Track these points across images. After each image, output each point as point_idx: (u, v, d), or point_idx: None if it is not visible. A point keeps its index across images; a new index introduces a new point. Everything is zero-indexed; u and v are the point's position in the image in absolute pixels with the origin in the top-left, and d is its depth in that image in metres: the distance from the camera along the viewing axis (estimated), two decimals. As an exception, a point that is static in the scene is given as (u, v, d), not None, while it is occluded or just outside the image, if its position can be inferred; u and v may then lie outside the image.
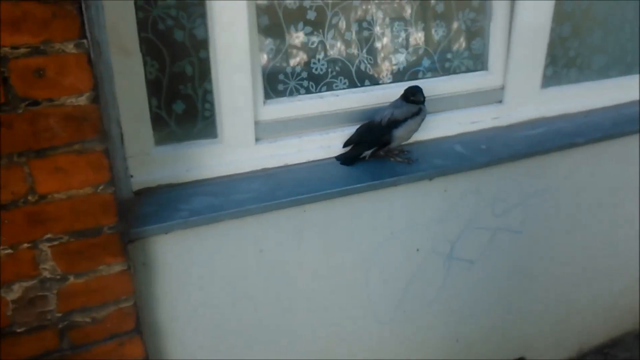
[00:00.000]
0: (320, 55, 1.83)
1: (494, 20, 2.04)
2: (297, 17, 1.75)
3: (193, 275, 1.55)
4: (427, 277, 1.98)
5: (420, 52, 2.00)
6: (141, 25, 1.49)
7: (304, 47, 1.79)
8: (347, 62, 1.88)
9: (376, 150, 1.81)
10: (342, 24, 1.82)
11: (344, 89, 1.90)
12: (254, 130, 1.71)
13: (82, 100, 1.16)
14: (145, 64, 1.53)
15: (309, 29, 1.78)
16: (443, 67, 2.06)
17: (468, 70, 2.12)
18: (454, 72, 2.09)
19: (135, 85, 1.50)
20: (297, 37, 1.77)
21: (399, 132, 1.78)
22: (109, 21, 1.39)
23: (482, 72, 2.13)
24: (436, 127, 2.03)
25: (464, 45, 2.08)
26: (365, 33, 1.88)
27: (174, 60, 1.57)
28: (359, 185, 1.67)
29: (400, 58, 1.97)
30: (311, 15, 1.76)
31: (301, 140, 1.81)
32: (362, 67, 1.91)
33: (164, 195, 1.57)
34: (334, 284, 1.81)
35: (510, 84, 2.11)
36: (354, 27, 1.85)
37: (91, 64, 1.15)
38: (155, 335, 1.56)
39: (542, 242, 2.19)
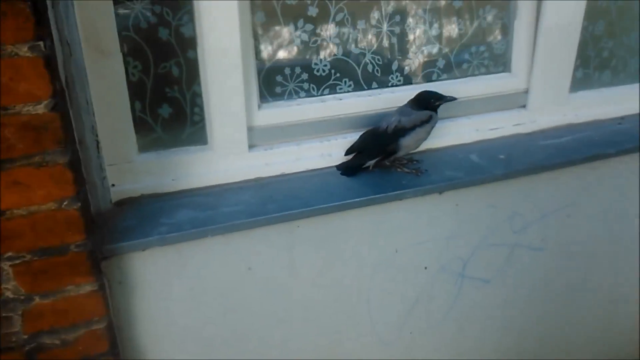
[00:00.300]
0: (323, 55, 1.68)
1: (519, 17, 1.86)
2: (296, 13, 1.60)
3: (175, 294, 1.43)
4: (436, 296, 1.83)
5: (435, 51, 1.83)
6: (122, 23, 1.37)
7: (305, 46, 1.65)
8: (352, 63, 1.73)
9: (381, 160, 1.65)
10: (347, 21, 1.67)
11: (348, 92, 1.75)
12: (246, 136, 1.57)
13: (40, 109, 1.05)
14: (127, 64, 1.41)
15: (310, 26, 1.63)
16: (460, 68, 1.89)
17: (488, 72, 1.94)
18: (472, 74, 1.92)
19: (115, 88, 1.38)
20: (297, 35, 1.63)
21: (406, 141, 1.63)
22: (83, 19, 1.27)
23: (504, 74, 1.95)
24: (451, 134, 1.86)
25: (483, 44, 1.90)
26: (373, 31, 1.73)
27: (159, 61, 1.45)
28: (358, 199, 1.52)
29: (412, 58, 1.81)
30: (312, 11, 1.61)
31: (299, 147, 1.67)
32: (369, 68, 1.76)
33: (146, 207, 1.45)
34: (332, 305, 1.66)
35: (535, 87, 1.92)
36: (360, 25, 1.70)
37: (50, 68, 1.04)
38: (137, 355, 1.46)
39: (564, 261, 2.00)
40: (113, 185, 1.47)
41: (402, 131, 1.62)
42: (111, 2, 1.31)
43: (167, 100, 1.50)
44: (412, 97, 1.66)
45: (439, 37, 1.82)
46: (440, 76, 1.87)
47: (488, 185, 1.73)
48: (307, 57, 1.66)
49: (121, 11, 1.36)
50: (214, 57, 1.44)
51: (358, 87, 1.76)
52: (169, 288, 1.42)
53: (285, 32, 1.61)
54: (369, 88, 1.78)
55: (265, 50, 1.60)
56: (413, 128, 1.62)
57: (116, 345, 1.36)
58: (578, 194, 1.89)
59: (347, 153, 1.68)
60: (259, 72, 1.60)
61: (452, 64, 1.87)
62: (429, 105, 1.65)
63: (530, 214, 1.85)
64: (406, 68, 1.81)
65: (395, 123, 1.62)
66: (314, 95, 1.71)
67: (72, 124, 1.22)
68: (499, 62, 1.94)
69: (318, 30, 1.65)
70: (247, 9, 1.49)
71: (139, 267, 1.36)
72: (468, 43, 1.87)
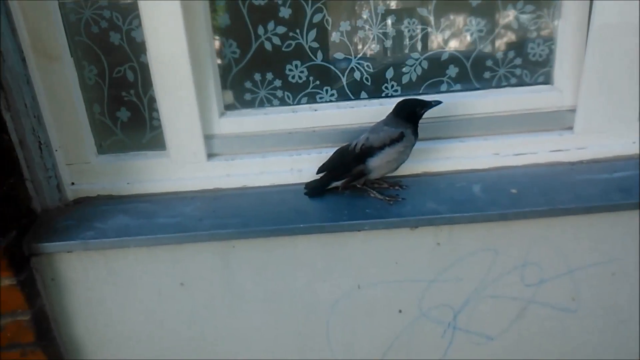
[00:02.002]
0: (299, 61, 1.52)
1: (564, 16, 1.46)
2: (266, 15, 1.47)
3: (105, 298, 1.44)
4: (417, 345, 1.55)
5: (445, 57, 1.53)
6: (73, 28, 1.40)
7: (276, 50, 1.50)
8: (334, 70, 1.53)
9: (349, 182, 1.44)
10: (327, 23, 1.48)
11: (330, 101, 1.56)
12: (203, 145, 1.50)
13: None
14: (82, 68, 1.44)
15: (282, 28, 1.48)
16: (480, 77, 1.55)
17: (520, 83, 1.56)
18: (498, 86, 1.56)
19: (67, 91, 1.42)
20: (268, 38, 1.49)
21: (374, 162, 1.39)
22: (29, 27, 1.33)
23: (542, 87, 1.56)
24: (460, 157, 1.55)
25: (514, 48, 1.53)
26: (360, 34, 1.50)
27: (114, 65, 1.45)
28: (303, 225, 1.34)
29: (413, 64, 1.54)
30: (285, 12, 1.46)
31: (265, 160, 1.54)
32: (357, 75, 1.54)
33: (91, 209, 1.48)
34: (279, 338, 1.52)
35: (587, 105, 1.49)
36: (344, 27, 1.49)
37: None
38: (74, 349, 1.51)
39: (608, 327, 1.54)
40: (73, 183, 1.53)
41: (370, 151, 1.39)
42: (57, 9, 1.35)
43: (125, 104, 1.50)
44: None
45: (451, 39, 1.51)
46: (452, 86, 1.56)
47: (487, 225, 1.40)
48: (279, 62, 1.52)
49: (72, 17, 1.38)
50: (161, 62, 1.39)
51: (343, 96, 1.56)
52: (99, 291, 1.42)
53: (253, 35, 1.48)
54: (357, 98, 1.56)
55: (231, 55, 1.50)
56: (382, 148, 1.38)
57: (45, 337, 1.41)
58: (628, 247, 1.43)
59: (319, 171, 1.50)
60: (224, 78, 1.51)
61: (469, 72, 1.55)
62: (411, 115, 1.39)
63: (550, 265, 1.45)
64: (405, 76, 1.54)
65: (362, 141, 1.40)
66: (289, 104, 1.56)
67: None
68: (536, 72, 1.55)
69: (292, 34, 1.49)
70: (204, 10, 1.41)
71: (66, 268, 1.39)
72: (493, 47, 1.52)
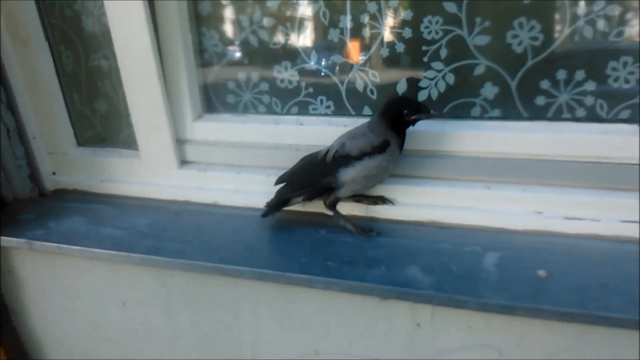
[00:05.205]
0: (288, 62, 1.23)
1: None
2: (251, 5, 1.20)
3: (54, 298, 1.35)
4: None
5: (479, 70, 1.11)
6: (48, 9, 1.29)
7: (263, 48, 1.23)
8: (331, 76, 1.21)
9: (311, 197, 1.13)
10: (324, 17, 1.16)
11: (324, 114, 1.25)
12: (173, 150, 1.31)
13: None
14: (59, 54, 1.34)
15: (270, 21, 1.20)
16: (530, 103, 1.10)
17: (591, 118, 1.08)
18: (556, 117, 1.10)
19: (43, 77, 1.32)
20: (254, 32, 1.22)
21: (348, 174, 1.07)
22: (4, 9, 1.24)
23: (625, 127, 1.06)
24: (485, 210, 1.14)
25: (586, 67, 1.05)
26: (365, 32, 1.15)
27: (88, 53, 1.32)
28: (242, 268, 1.08)
29: (434, 78, 1.14)
30: (273, 3, 1.18)
31: (239, 176, 1.29)
32: (359, 85, 1.20)
33: (57, 204, 1.39)
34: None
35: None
36: (343, 23, 1.15)
37: None
38: (33, 341, 1.46)
39: None
40: (54, 173, 1.46)
41: (345, 160, 1.07)
42: (29, -12, 1.25)
43: (102, 96, 1.37)
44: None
45: (489, 46, 1.09)
46: (488, 112, 1.14)
47: (485, 314, 1.00)
48: (267, 63, 1.24)
49: (47, -1, 1.28)
50: (125, 52, 1.21)
51: (340, 109, 1.23)
52: (48, 291, 1.34)
53: (237, 28, 1.23)
54: (359, 114, 1.22)
55: (212, 50, 1.27)
56: (359, 158, 1.05)
57: (3, 326, 1.39)
58: None
59: (277, 182, 1.18)
60: (204, 77, 1.29)
61: (514, 94, 1.11)
62: (396, 120, 1.05)
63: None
64: (422, 92, 1.16)
65: (336, 148, 1.08)
66: (276, 113, 1.29)
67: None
68: (617, 104, 1.05)
69: (282, 28, 1.20)
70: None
71: (19, 263, 1.33)
72: (551, 62, 1.06)
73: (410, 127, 1.08)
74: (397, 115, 1.04)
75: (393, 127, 1.05)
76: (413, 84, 1.15)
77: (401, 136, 1.07)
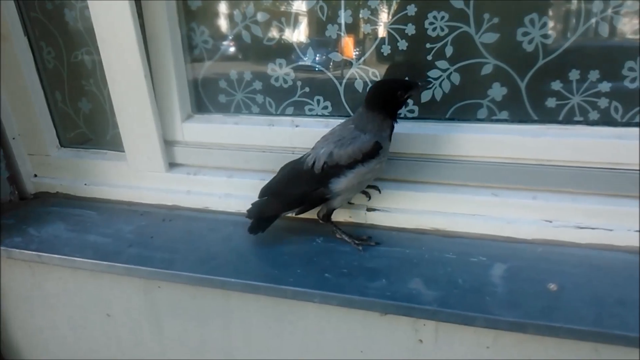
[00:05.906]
0: (283, 60, 1.16)
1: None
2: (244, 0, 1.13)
3: (35, 307, 1.28)
4: None
5: (487, 70, 1.04)
6: (28, 3, 1.21)
7: (257, 44, 1.16)
8: (330, 75, 1.14)
9: (304, 211, 1.06)
10: (322, 11, 1.09)
11: (322, 115, 1.18)
12: (161, 152, 1.23)
13: None
14: (40, 50, 1.26)
15: (264, 15, 1.13)
16: (540, 104, 1.04)
17: (605, 122, 1.01)
18: (568, 120, 1.03)
19: (21, 75, 1.25)
20: (247, 27, 1.15)
21: (341, 185, 1.00)
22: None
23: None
24: (492, 217, 1.08)
25: (600, 67, 0.98)
26: (366, 28, 1.08)
27: (70, 48, 1.24)
28: (233, 280, 1.01)
29: (439, 77, 1.07)
30: (268, -6, 1.11)
31: (230, 180, 1.22)
32: (358, 84, 1.13)
33: (38, 209, 1.32)
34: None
35: None
36: (343, 18, 1.08)
37: None
38: (13, 351, 1.39)
39: None
40: (35, 175, 1.38)
41: (335, 170, 1.00)
42: (6, -22, 1.17)
43: (85, 94, 1.29)
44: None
45: (498, 44, 1.02)
46: (496, 114, 1.07)
47: (493, 331, 0.94)
48: (261, 60, 1.17)
49: (26, -11, 1.20)
50: (108, 48, 1.14)
51: (339, 110, 1.17)
52: (29, 299, 1.27)
53: (229, 24, 1.15)
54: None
55: (203, 46, 1.19)
56: (351, 166, 0.98)
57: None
58: None
59: (261, 195, 1.10)
60: (193, 74, 1.22)
61: (524, 95, 1.04)
62: (390, 103, 0.97)
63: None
64: (426, 93, 1.09)
65: (324, 158, 1.00)
66: (270, 113, 1.21)
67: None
68: (633, 106, 0.99)
69: (277, 23, 1.13)
70: (168, -11, 1.12)
71: (-4, 271, 1.26)
72: (563, 61, 1.00)
73: (410, 127, 1.01)
74: (391, 98, 0.96)
75: (386, 113, 0.97)
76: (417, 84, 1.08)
77: (394, 119, 1.00)
